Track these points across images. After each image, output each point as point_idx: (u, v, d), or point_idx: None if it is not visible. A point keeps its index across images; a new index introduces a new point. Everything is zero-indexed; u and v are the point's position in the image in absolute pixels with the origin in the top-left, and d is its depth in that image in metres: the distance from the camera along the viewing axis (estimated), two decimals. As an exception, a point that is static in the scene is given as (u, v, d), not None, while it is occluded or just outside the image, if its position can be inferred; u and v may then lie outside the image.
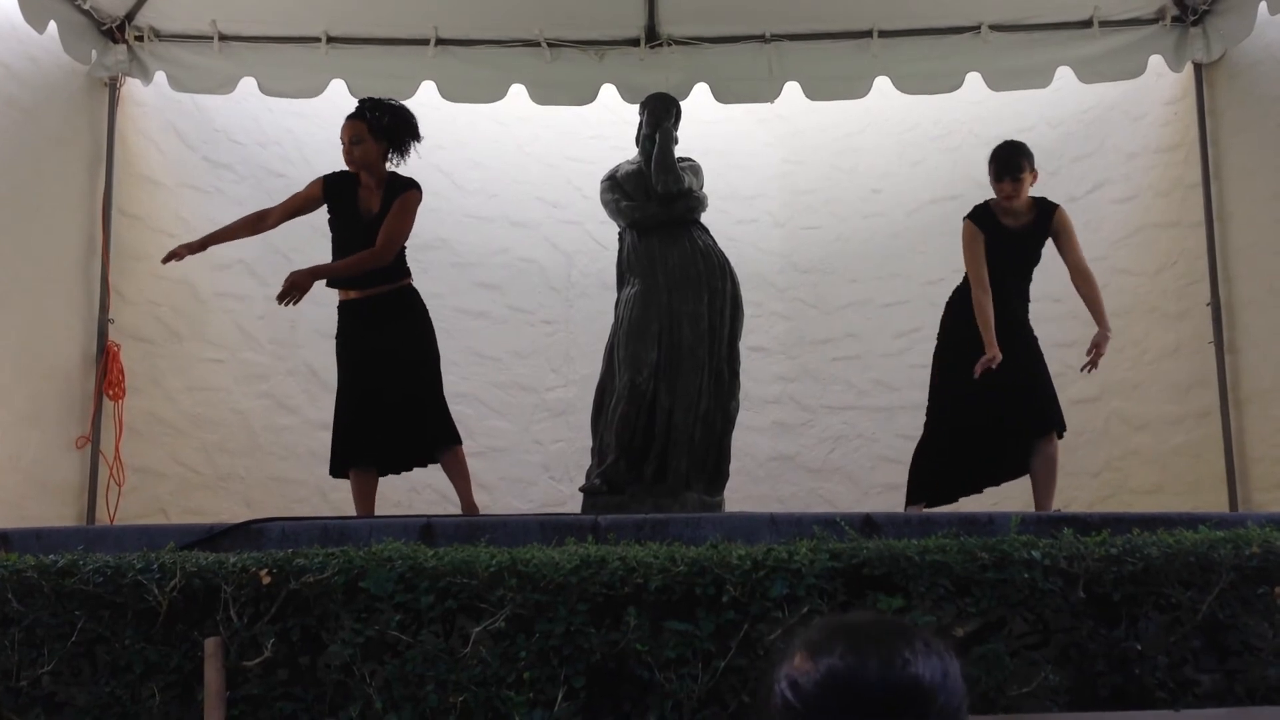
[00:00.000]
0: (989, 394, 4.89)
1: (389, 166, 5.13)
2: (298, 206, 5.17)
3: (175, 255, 5.05)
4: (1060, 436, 5.08)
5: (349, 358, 5.00)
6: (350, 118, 5.07)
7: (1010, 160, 5.05)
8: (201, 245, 5.11)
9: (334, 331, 5.10)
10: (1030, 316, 5.19)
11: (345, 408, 4.97)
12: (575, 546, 3.45)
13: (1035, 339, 5.16)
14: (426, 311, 5.07)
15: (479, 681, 3.20)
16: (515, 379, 7.12)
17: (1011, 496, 6.54)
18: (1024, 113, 6.86)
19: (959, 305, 5.15)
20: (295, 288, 4.83)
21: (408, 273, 5.05)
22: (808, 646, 1.31)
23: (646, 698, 3.21)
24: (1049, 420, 5.02)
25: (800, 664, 1.30)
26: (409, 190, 5.02)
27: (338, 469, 5.00)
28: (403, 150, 5.12)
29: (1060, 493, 6.57)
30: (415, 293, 5.06)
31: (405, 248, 5.03)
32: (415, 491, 6.49)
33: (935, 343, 5.24)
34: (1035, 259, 5.21)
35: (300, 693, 3.30)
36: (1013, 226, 5.11)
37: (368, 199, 5.01)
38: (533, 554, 3.34)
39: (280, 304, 4.89)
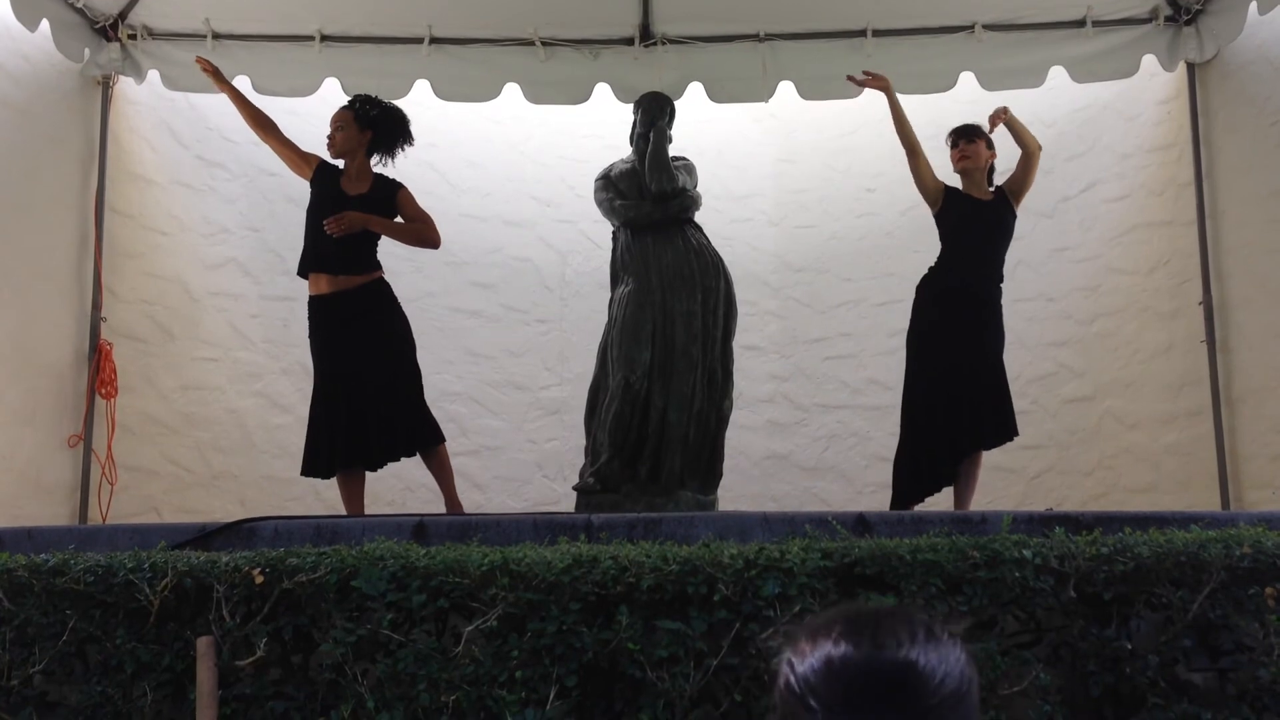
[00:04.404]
0: (956, 398, 5.01)
1: (378, 167, 5.16)
2: (292, 150, 5.25)
3: (203, 62, 5.42)
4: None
5: (326, 356, 4.98)
6: (339, 108, 5.16)
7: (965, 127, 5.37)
8: (219, 79, 5.39)
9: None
10: (1005, 300, 5.28)
11: (325, 410, 4.95)
12: (567, 546, 3.45)
13: (1003, 335, 5.22)
14: (399, 305, 5.08)
15: (471, 680, 3.20)
16: (509, 378, 7.12)
17: (1007, 495, 6.57)
18: (1017, 112, 6.86)
19: (929, 284, 5.24)
20: (348, 221, 4.88)
21: (379, 265, 5.06)
22: (810, 632, 1.32)
23: (639, 697, 3.21)
24: (1006, 434, 5.14)
25: (801, 649, 1.31)
26: (403, 187, 5.15)
27: (314, 469, 4.98)
28: (389, 147, 5.14)
29: (1052, 491, 6.61)
30: (387, 285, 5.07)
31: (378, 242, 5.05)
32: (409, 490, 6.49)
33: (909, 327, 5.29)
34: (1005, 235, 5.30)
35: (292, 692, 3.30)
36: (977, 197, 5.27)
37: (349, 186, 5.06)
38: (525, 553, 3.34)
39: (324, 225, 4.89)
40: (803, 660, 1.29)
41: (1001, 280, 5.25)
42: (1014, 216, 5.27)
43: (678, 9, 6.46)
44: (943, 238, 5.28)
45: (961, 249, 5.20)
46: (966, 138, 5.29)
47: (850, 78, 5.43)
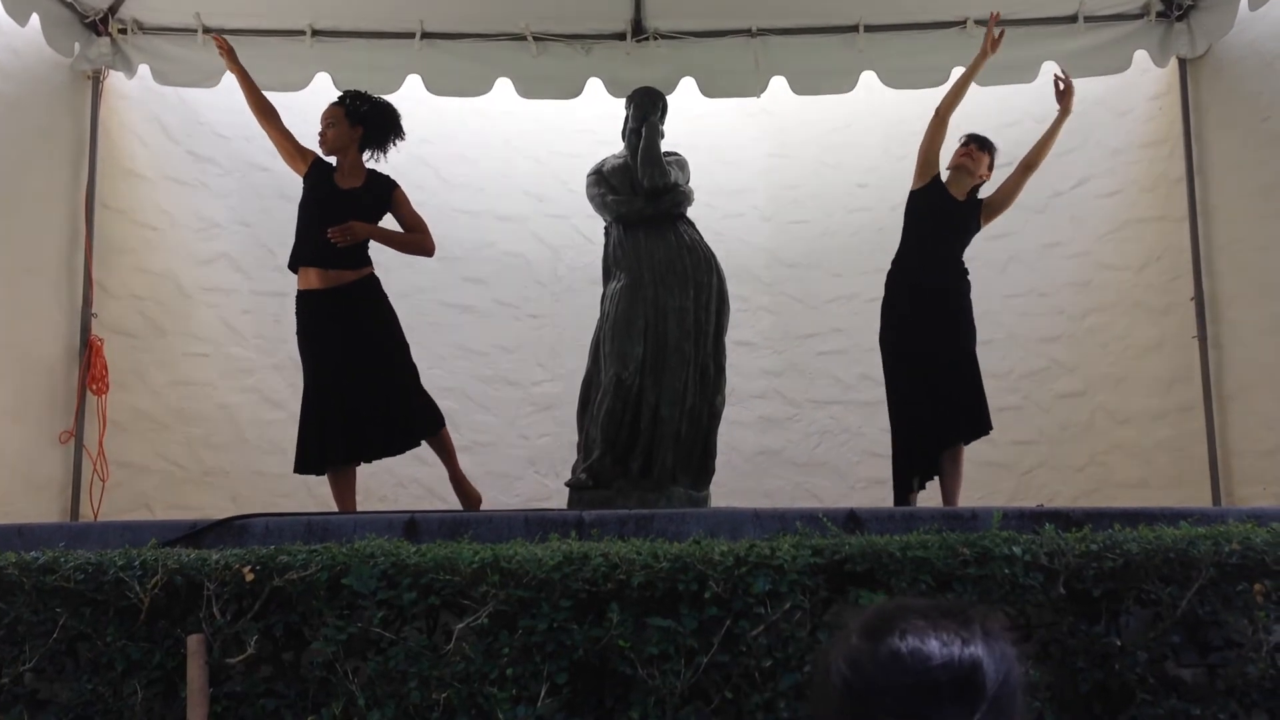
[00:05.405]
0: (935, 391, 5.04)
1: (370, 163, 5.15)
2: (290, 143, 5.22)
3: (219, 40, 5.37)
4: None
5: (318, 351, 4.97)
6: (329, 104, 5.15)
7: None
8: (232, 59, 5.29)
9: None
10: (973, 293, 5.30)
11: (319, 406, 4.93)
12: (558, 543, 3.45)
13: (974, 329, 5.23)
14: (388, 299, 5.09)
15: (462, 678, 3.20)
16: (501, 373, 7.12)
17: (999, 490, 6.58)
18: (1010, 108, 6.88)
19: (897, 280, 5.25)
20: (352, 233, 4.90)
21: (370, 260, 5.07)
22: (867, 627, 1.32)
23: (629, 694, 3.22)
24: (981, 428, 5.17)
25: (860, 644, 1.31)
26: (398, 186, 5.16)
27: (308, 467, 4.97)
28: (380, 142, 5.13)
29: (1044, 487, 6.62)
30: (377, 280, 5.08)
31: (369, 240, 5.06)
32: (401, 486, 6.49)
33: (881, 325, 5.30)
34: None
35: (283, 689, 3.30)
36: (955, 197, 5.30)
37: (342, 180, 5.06)
38: (516, 550, 3.34)
39: (328, 234, 4.88)
40: (863, 657, 1.29)
41: (966, 274, 5.26)
42: (979, 227, 5.30)
43: (670, 4, 6.46)
44: (908, 226, 5.28)
45: (927, 244, 5.22)
46: (979, 145, 5.33)
47: (995, 17, 5.37)
